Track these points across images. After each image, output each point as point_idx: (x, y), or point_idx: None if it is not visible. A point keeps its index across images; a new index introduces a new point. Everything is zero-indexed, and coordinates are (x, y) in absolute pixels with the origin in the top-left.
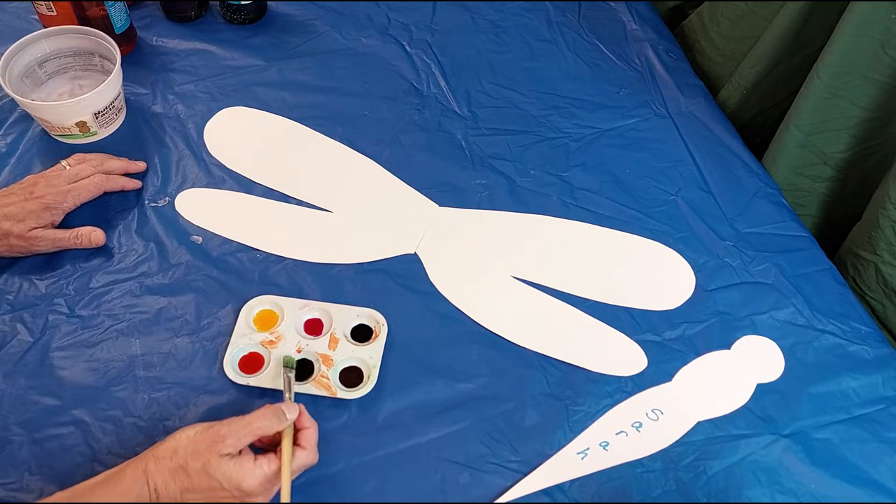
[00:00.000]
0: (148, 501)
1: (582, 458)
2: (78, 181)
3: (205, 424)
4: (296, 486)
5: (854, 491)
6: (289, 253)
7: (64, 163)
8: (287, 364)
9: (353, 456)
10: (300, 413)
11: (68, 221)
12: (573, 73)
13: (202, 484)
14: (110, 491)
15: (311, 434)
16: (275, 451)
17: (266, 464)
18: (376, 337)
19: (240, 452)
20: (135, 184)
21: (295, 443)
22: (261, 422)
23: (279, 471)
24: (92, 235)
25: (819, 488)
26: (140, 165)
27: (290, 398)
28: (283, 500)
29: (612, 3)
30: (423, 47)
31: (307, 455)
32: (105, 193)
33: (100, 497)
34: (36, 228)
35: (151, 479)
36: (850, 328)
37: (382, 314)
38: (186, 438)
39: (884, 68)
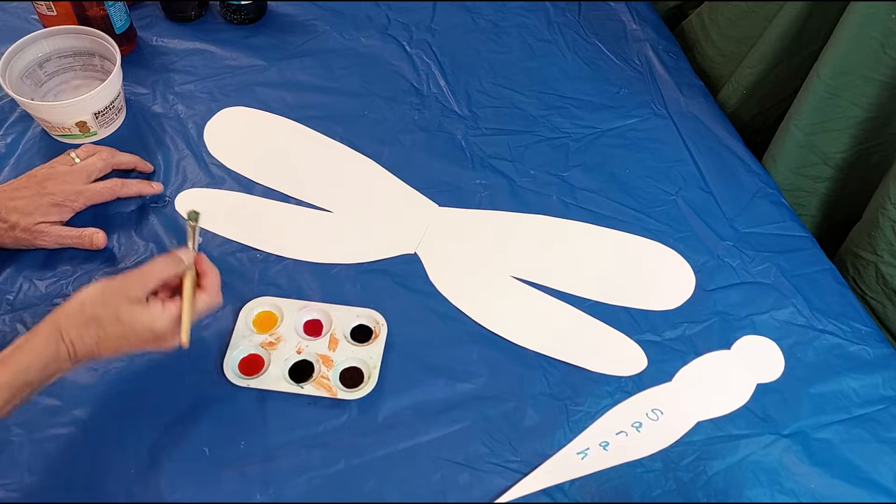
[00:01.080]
0: (66, 356)
1: (582, 458)
2: (93, 182)
3: (105, 280)
4: (296, 485)
5: (854, 491)
6: (289, 253)
7: (73, 154)
8: (190, 218)
9: (353, 456)
10: (200, 259)
11: (71, 219)
12: (573, 73)
13: (115, 331)
14: (28, 352)
15: (212, 278)
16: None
17: (174, 306)
18: (376, 337)
19: (147, 300)
20: (152, 189)
21: (198, 287)
22: (158, 266)
23: (184, 314)
24: (94, 237)
25: (819, 488)
26: (148, 166)
27: (191, 247)
28: (182, 340)
29: (612, 3)
30: (423, 47)
31: (209, 297)
32: None
33: (19, 359)
34: (42, 223)
35: (66, 334)
36: (850, 328)
37: (382, 314)
38: (92, 292)
39: (884, 68)
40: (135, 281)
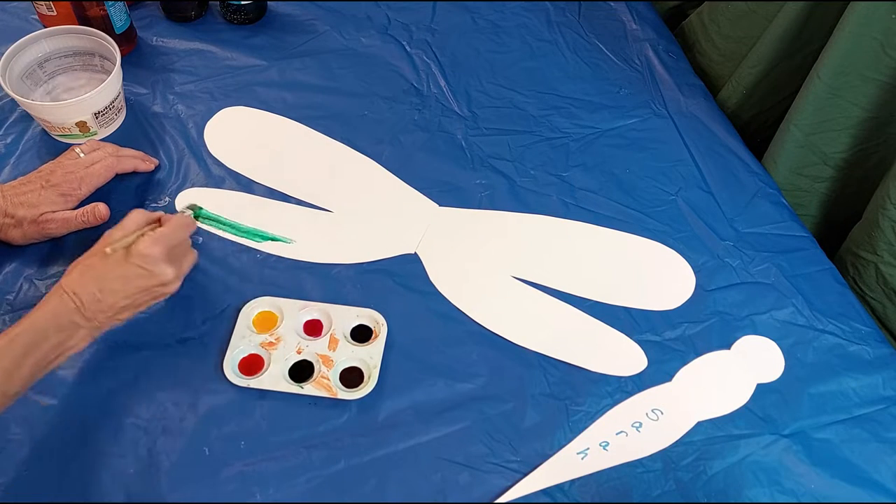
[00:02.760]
0: (73, 307)
1: (582, 458)
2: (91, 166)
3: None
4: (296, 485)
5: (854, 491)
6: (289, 253)
7: (78, 150)
8: (191, 209)
9: (353, 456)
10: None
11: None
12: (573, 73)
13: (109, 269)
14: (36, 308)
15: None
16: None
17: (151, 232)
18: (376, 337)
19: None
20: (147, 165)
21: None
22: (132, 216)
23: (162, 232)
24: (96, 210)
25: (819, 488)
26: (152, 163)
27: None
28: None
29: (612, 3)
30: (423, 47)
31: (177, 218)
32: (107, 192)
33: (29, 315)
34: (47, 212)
35: (67, 287)
36: (850, 328)
37: (382, 314)
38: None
39: (884, 68)
40: (114, 230)
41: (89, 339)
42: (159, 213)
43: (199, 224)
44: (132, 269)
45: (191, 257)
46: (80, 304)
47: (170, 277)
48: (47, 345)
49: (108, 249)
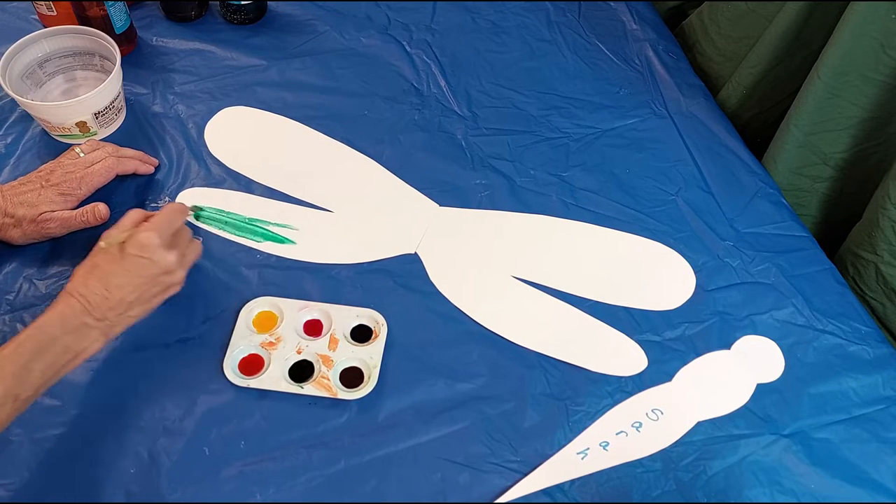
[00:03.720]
0: (82, 309)
1: (582, 458)
2: (91, 166)
3: None
4: (296, 485)
5: (854, 491)
6: (289, 253)
7: (78, 149)
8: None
9: (353, 456)
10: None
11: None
12: (573, 73)
13: (113, 266)
14: (44, 312)
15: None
16: None
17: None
18: (376, 337)
19: None
20: (147, 168)
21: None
22: (131, 214)
23: (155, 219)
24: (96, 210)
25: (819, 488)
26: (151, 163)
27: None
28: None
29: (612, 3)
30: (423, 47)
31: (168, 206)
32: (107, 192)
33: (38, 319)
34: (46, 212)
35: (74, 290)
36: (850, 328)
37: (382, 314)
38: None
39: (884, 68)
40: (110, 229)
41: (104, 340)
42: (156, 213)
43: (200, 224)
44: (133, 260)
45: (194, 247)
46: (87, 305)
47: (172, 264)
48: (57, 348)
49: (102, 243)
